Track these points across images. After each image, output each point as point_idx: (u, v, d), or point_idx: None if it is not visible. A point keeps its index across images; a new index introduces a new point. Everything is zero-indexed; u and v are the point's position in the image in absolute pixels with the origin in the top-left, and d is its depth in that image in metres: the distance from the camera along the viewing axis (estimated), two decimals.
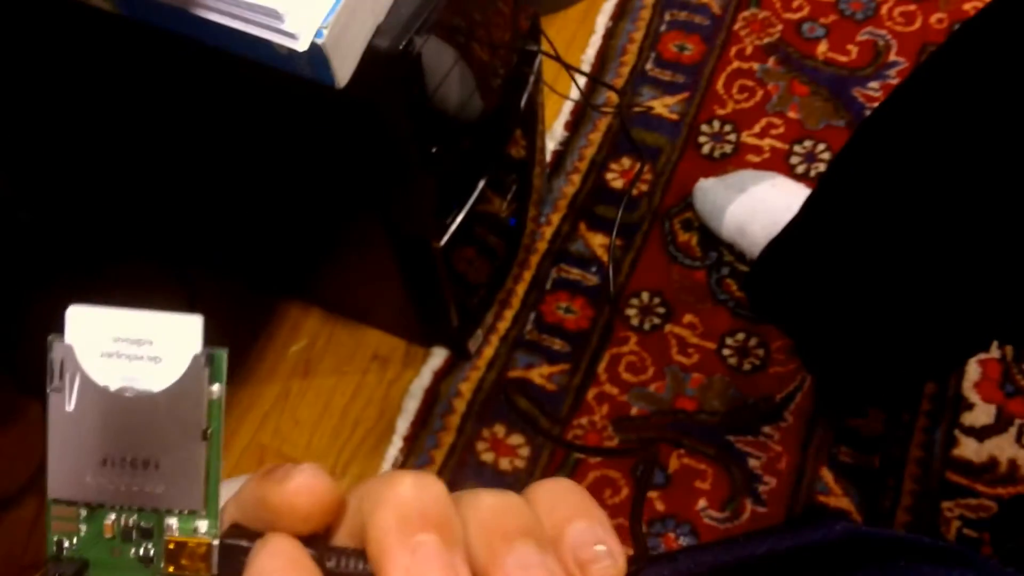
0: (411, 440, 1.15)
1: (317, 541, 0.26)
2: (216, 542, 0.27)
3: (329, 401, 1.19)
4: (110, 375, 0.26)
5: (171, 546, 0.27)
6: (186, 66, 0.80)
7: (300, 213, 1.03)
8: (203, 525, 0.27)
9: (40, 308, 1.17)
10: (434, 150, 0.83)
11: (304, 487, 0.25)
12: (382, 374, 1.21)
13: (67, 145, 1.09)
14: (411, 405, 1.18)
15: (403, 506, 0.24)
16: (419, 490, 0.25)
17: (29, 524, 1.13)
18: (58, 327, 0.26)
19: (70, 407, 0.26)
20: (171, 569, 0.27)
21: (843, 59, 1.38)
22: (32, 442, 1.17)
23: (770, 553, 0.40)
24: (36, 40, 0.89)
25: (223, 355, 0.27)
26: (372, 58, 0.69)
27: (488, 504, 0.25)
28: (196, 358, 0.26)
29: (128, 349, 0.26)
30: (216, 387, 0.27)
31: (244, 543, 0.26)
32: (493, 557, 0.24)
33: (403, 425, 1.16)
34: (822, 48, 1.39)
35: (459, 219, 0.95)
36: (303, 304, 1.25)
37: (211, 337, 0.26)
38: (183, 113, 0.90)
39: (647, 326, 1.21)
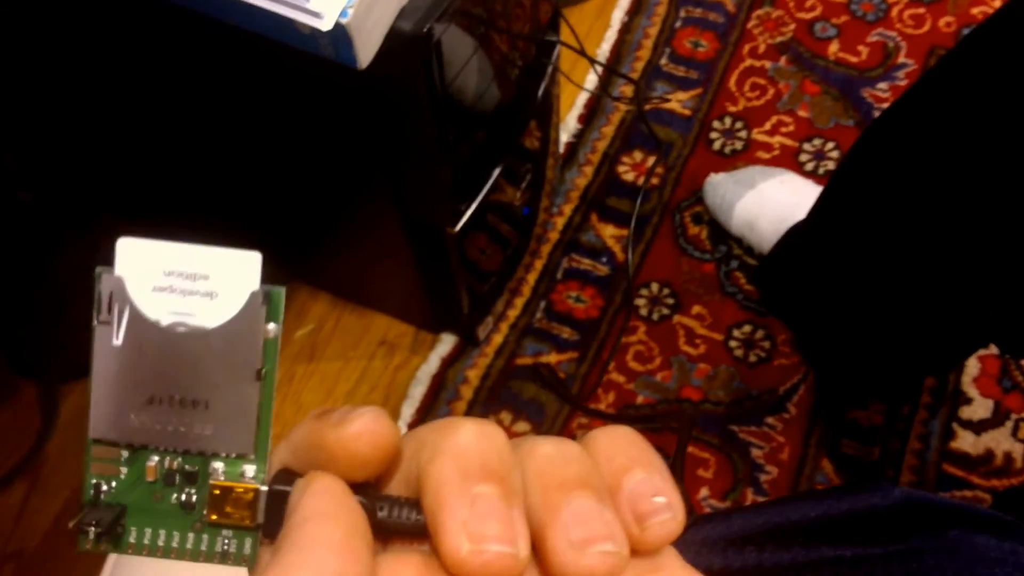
0: (415, 427, 1.14)
1: (368, 488, 0.24)
2: (264, 488, 0.25)
3: (333, 387, 1.17)
4: (161, 309, 0.24)
5: (216, 491, 0.25)
6: (203, 44, 0.78)
7: (315, 195, 1.01)
8: (250, 469, 0.25)
9: (37, 287, 1.15)
10: (451, 137, 0.82)
11: (365, 431, 0.23)
12: (389, 360, 1.18)
13: (77, 120, 1.07)
14: (417, 391, 1.16)
15: (463, 456, 0.22)
16: (480, 439, 0.23)
17: (16, 511, 1.09)
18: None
19: (117, 341, 0.24)
20: (214, 517, 0.25)
21: (853, 59, 1.36)
22: (24, 425, 1.14)
23: (824, 516, 0.38)
24: (63, 18, 0.88)
25: (281, 293, 0.25)
26: (394, 41, 0.67)
27: (546, 453, 0.23)
28: (254, 295, 0.24)
29: (181, 283, 0.24)
30: (272, 326, 0.25)
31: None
32: (550, 508, 0.22)
33: (408, 411, 1.14)
34: (833, 48, 1.38)
35: (473, 207, 0.93)
36: (311, 288, 1.23)
37: (268, 275, 0.25)
38: (198, 90, 0.89)
39: (656, 316, 1.19)
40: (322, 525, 0.22)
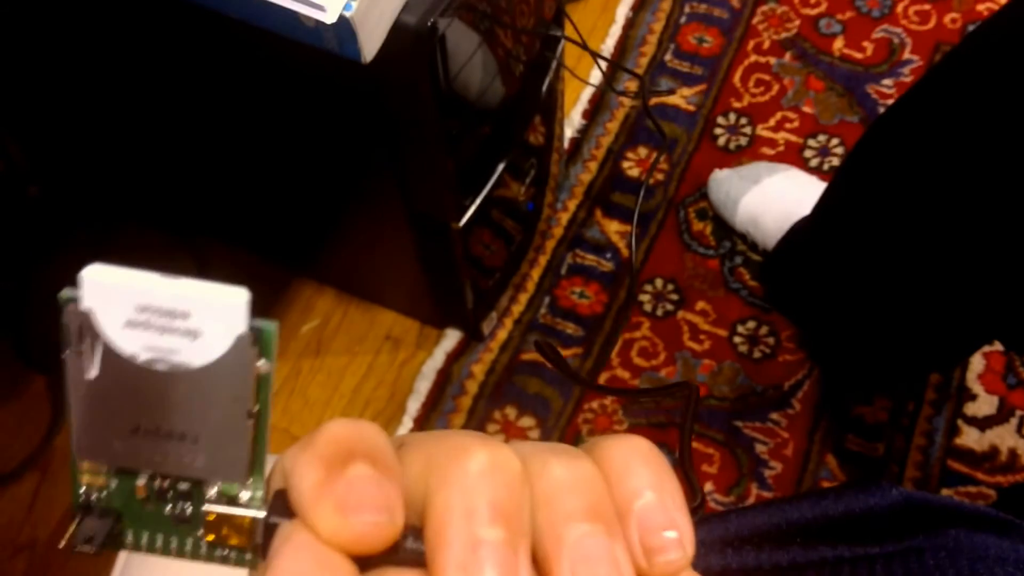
0: (421, 422, 1.13)
1: None
2: (260, 515, 0.23)
3: (340, 381, 1.16)
4: (137, 345, 0.22)
5: (211, 517, 0.23)
6: (207, 38, 0.78)
7: (320, 191, 1.01)
8: (246, 494, 0.23)
9: (45, 280, 1.15)
10: (455, 131, 0.81)
11: (367, 533, 0.20)
12: (394, 355, 1.18)
13: (83, 114, 1.07)
14: (423, 386, 1.15)
15: (471, 491, 0.21)
16: (492, 471, 0.21)
17: (28, 502, 1.09)
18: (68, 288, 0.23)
19: (92, 374, 0.22)
20: (211, 538, 0.23)
21: (858, 56, 1.36)
22: (34, 417, 1.13)
23: (822, 516, 0.38)
24: (70, 14, 0.88)
25: (273, 329, 0.22)
26: (398, 34, 0.67)
27: (557, 476, 0.22)
28: (242, 337, 0.22)
29: (158, 320, 0.21)
30: (264, 363, 0.22)
31: (289, 520, 0.22)
32: (556, 542, 0.21)
33: (414, 406, 1.14)
34: (838, 44, 1.37)
35: (478, 202, 0.93)
36: (316, 283, 1.23)
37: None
38: (203, 84, 0.88)
39: (660, 312, 1.19)
40: None
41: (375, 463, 0.21)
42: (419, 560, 0.21)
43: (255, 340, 0.22)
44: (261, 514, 0.23)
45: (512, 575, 0.20)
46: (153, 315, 0.21)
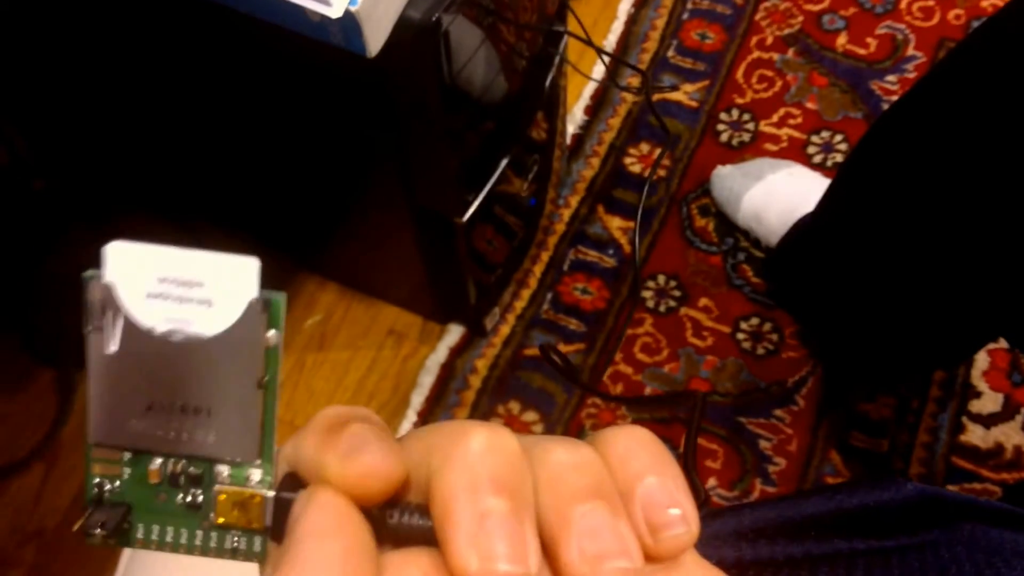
0: (425, 415, 1.13)
1: None
2: (271, 494, 0.24)
3: (344, 375, 1.17)
4: (156, 317, 0.23)
5: (222, 497, 0.24)
6: (213, 32, 0.78)
7: (324, 186, 1.01)
8: (256, 473, 0.24)
9: (51, 274, 1.15)
10: (459, 126, 0.81)
11: (371, 470, 0.22)
12: (397, 349, 1.18)
13: (89, 107, 1.07)
14: (426, 380, 1.15)
15: (473, 467, 0.21)
16: (492, 449, 0.22)
17: (35, 492, 1.10)
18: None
19: (112, 349, 0.23)
20: (221, 520, 0.24)
21: (862, 52, 1.35)
22: (41, 408, 1.14)
23: (837, 510, 0.38)
24: (77, 7, 0.88)
25: (282, 300, 0.23)
26: (403, 29, 0.66)
27: (559, 459, 0.23)
28: (253, 303, 0.23)
29: (176, 290, 0.23)
30: (273, 333, 0.23)
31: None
32: (562, 519, 0.21)
33: (418, 400, 1.14)
34: (841, 40, 1.37)
35: (481, 197, 0.93)
36: (319, 279, 1.23)
37: (266, 279, 0.24)
38: (209, 78, 0.88)
39: (663, 308, 1.18)
40: (322, 542, 0.21)
41: (370, 423, 0.23)
42: (429, 538, 0.22)
43: (264, 308, 0.23)
44: (271, 493, 0.24)
45: (520, 543, 0.20)
46: (171, 285, 0.23)
